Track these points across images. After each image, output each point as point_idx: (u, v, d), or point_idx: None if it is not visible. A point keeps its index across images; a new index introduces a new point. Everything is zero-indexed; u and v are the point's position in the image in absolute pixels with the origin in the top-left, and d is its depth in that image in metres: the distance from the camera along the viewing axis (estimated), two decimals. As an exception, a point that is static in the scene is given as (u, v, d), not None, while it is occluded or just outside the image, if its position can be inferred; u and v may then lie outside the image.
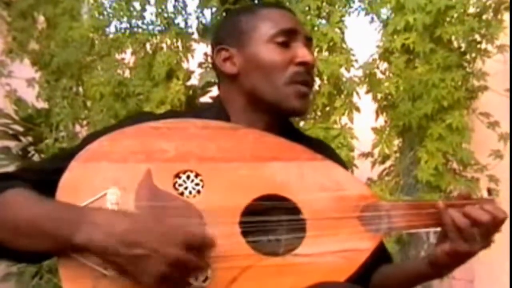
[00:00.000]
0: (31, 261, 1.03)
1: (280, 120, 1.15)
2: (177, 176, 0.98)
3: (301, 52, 1.12)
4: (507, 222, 1.10)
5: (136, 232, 0.87)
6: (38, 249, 0.91)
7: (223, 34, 1.18)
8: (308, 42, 1.17)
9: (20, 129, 3.58)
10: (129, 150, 0.98)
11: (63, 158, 0.99)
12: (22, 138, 3.60)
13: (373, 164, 2.94)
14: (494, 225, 1.06)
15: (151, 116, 1.12)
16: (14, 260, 0.99)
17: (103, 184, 0.94)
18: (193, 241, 0.90)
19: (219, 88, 1.21)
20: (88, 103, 3.32)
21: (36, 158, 3.55)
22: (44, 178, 0.99)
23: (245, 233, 0.98)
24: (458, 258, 1.08)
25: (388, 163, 2.98)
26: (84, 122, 3.38)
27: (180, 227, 0.91)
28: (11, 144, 3.58)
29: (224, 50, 1.15)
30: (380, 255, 1.15)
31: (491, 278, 3.11)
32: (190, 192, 0.98)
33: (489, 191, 1.17)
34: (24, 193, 0.95)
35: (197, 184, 0.99)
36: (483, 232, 1.05)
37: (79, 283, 0.89)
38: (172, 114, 1.15)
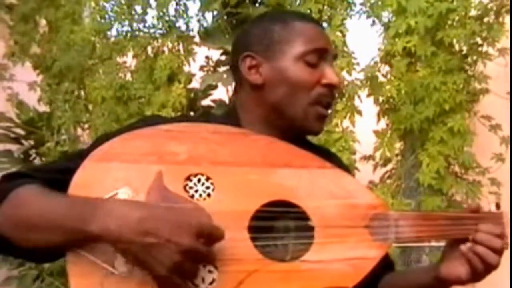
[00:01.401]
0: (41, 259, 1.03)
1: (293, 135, 1.13)
2: (188, 179, 0.98)
3: (329, 74, 1.10)
4: (508, 224, 1.10)
5: (149, 221, 0.87)
6: (51, 243, 0.91)
7: (252, 40, 1.13)
8: (333, 60, 1.16)
9: (22, 132, 3.59)
10: (141, 152, 0.98)
11: (75, 158, 1.00)
12: (23, 141, 3.61)
13: (375, 167, 2.94)
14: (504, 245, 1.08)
15: (164, 119, 1.12)
16: (24, 258, 1.00)
17: (115, 184, 0.94)
18: (204, 231, 0.90)
19: (236, 93, 1.18)
20: (90, 107, 3.33)
21: (37, 161, 3.56)
22: (55, 177, 1.00)
23: (253, 238, 0.98)
24: (472, 282, 1.09)
25: (389, 166, 2.98)
26: (86, 126, 3.39)
27: (191, 216, 0.91)
28: (13, 147, 3.58)
29: (250, 57, 1.11)
30: (383, 264, 1.15)
31: (492, 281, 3.10)
32: (200, 195, 0.98)
33: (498, 206, 1.16)
34: (35, 189, 0.96)
35: (207, 188, 0.99)
36: (500, 257, 1.07)
37: (87, 279, 0.90)
38: (184, 118, 1.15)
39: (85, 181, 0.95)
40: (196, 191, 0.98)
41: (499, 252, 1.05)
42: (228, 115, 1.18)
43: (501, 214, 1.13)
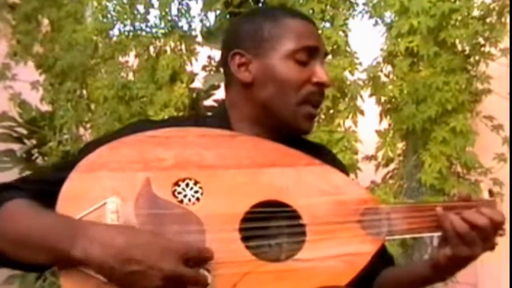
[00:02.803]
0: (34, 270, 1.03)
1: (282, 134, 1.13)
2: (176, 184, 0.98)
3: (319, 72, 1.10)
4: (509, 225, 1.10)
5: (131, 249, 0.87)
6: (39, 261, 0.92)
7: (241, 37, 1.12)
8: (324, 57, 1.16)
9: (24, 132, 3.59)
10: (127, 160, 0.98)
11: (63, 168, 0.99)
12: (26, 140, 3.61)
13: (377, 167, 2.94)
14: (493, 228, 1.05)
15: (151, 124, 1.11)
16: (18, 268, 1.00)
17: (103, 193, 0.94)
18: (190, 254, 0.90)
19: (226, 91, 1.18)
20: (92, 106, 3.33)
21: (40, 160, 3.56)
22: (44, 188, 0.99)
23: (245, 239, 0.98)
24: (460, 262, 1.07)
25: (391, 166, 2.98)
26: (88, 125, 3.39)
27: (176, 240, 0.91)
28: (15, 146, 3.59)
29: (239, 54, 1.11)
30: (382, 259, 1.15)
31: (494, 282, 3.10)
32: (189, 200, 0.98)
33: (491, 192, 1.16)
34: (24, 204, 0.96)
35: (196, 192, 0.99)
36: (483, 236, 1.04)
37: None
38: (172, 121, 1.14)
39: (73, 192, 0.95)
40: (185, 196, 0.98)
41: (479, 229, 1.03)
42: (218, 115, 1.18)
43: (494, 201, 1.13)
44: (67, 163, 1.02)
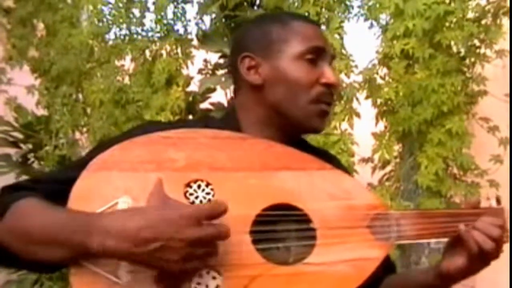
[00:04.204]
0: (44, 270, 1.03)
1: (294, 135, 1.14)
2: (188, 185, 0.98)
3: (328, 73, 1.10)
4: (508, 219, 1.11)
5: (144, 229, 0.87)
6: (54, 258, 0.91)
7: (250, 41, 1.14)
8: (331, 60, 1.16)
9: (20, 136, 3.59)
10: (139, 160, 0.98)
11: (74, 168, 0.99)
12: (22, 145, 3.61)
13: (373, 169, 2.94)
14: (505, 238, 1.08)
15: (161, 126, 1.11)
16: (27, 269, 1.00)
17: (114, 193, 0.94)
18: (201, 214, 0.89)
19: (235, 95, 1.18)
20: (88, 110, 3.34)
21: (35, 165, 3.56)
22: (55, 188, 0.99)
23: (255, 242, 0.98)
24: (473, 273, 1.09)
25: (388, 169, 2.98)
26: (84, 129, 3.39)
27: (185, 205, 0.92)
28: (11, 151, 3.59)
29: (249, 58, 1.11)
30: (385, 266, 1.15)
31: (492, 284, 3.10)
32: (201, 201, 0.97)
33: (498, 200, 1.17)
34: (36, 202, 0.96)
35: (207, 193, 0.98)
36: (499, 248, 1.07)
37: None
38: (182, 123, 1.14)
39: (84, 192, 0.95)
40: (197, 197, 0.98)
41: (496, 241, 1.05)
42: (227, 118, 1.18)
43: (502, 209, 1.14)
44: (79, 162, 1.03)
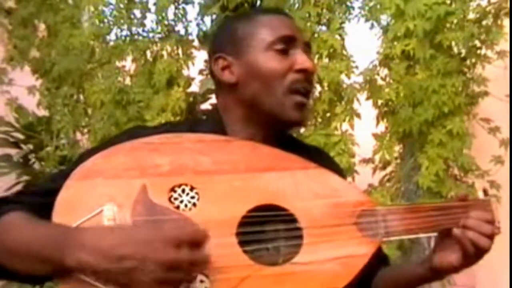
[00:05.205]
0: (32, 281, 1.03)
1: (278, 130, 1.14)
2: (173, 190, 0.97)
3: (300, 59, 1.10)
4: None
5: (122, 245, 0.85)
6: (39, 273, 0.92)
7: (220, 42, 1.15)
8: (307, 48, 1.15)
9: (21, 136, 3.60)
10: (123, 167, 0.97)
11: (58, 179, 0.99)
12: (23, 145, 3.62)
13: (374, 170, 2.94)
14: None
15: (146, 130, 1.11)
16: (17, 280, 0.99)
17: (99, 201, 0.93)
18: (182, 238, 0.88)
19: (217, 97, 1.19)
20: (89, 111, 3.34)
21: (37, 165, 3.56)
22: (40, 200, 0.99)
23: (242, 244, 0.98)
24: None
25: (389, 169, 2.98)
26: (85, 130, 3.39)
27: (167, 227, 0.90)
28: (12, 151, 3.59)
29: (221, 58, 1.12)
30: (378, 259, 1.15)
31: (492, 284, 3.10)
32: (186, 206, 0.97)
33: (485, 192, 1.17)
34: (20, 217, 0.96)
35: (192, 197, 0.98)
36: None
37: None
38: (167, 127, 1.13)
39: (69, 200, 0.94)
40: (181, 201, 0.97)
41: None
42: (212, 120, 1.18)
43: (489, 201, 1.15)
44: (62, 173, 1.02)
